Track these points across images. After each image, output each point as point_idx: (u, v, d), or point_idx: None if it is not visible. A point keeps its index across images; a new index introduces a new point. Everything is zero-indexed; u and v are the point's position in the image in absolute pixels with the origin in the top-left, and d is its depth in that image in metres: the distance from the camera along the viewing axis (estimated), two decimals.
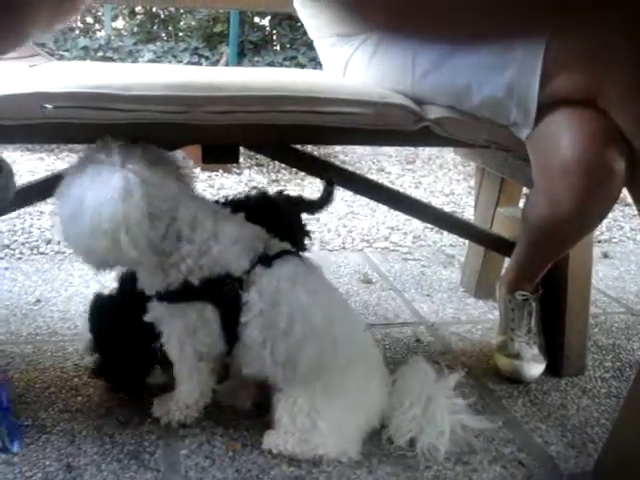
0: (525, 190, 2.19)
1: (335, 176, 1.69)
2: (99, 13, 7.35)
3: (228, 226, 1.37)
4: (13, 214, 2.79)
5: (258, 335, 1.35)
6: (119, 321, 1.53)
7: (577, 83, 1.36)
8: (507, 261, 2.07)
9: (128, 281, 1.51)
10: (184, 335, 1.39)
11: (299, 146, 1.70)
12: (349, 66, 1.74)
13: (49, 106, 1.26)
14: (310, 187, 3.61)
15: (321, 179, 1.74)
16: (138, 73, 1.64)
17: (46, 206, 2.79)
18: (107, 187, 1.23)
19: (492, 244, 2.04)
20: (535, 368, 1.75)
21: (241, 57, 5.92)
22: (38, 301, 2.09)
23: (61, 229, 1.30)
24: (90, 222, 1.23)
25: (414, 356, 1.57)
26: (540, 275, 1.73)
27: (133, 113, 1.28)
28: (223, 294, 1.35)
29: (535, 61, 1.35)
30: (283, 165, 3.96)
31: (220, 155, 1.49)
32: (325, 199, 1.70)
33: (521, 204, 2.23)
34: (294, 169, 3.84)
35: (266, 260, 1.38)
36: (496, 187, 2.17)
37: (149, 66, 2.23)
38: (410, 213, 1.93)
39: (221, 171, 3.80)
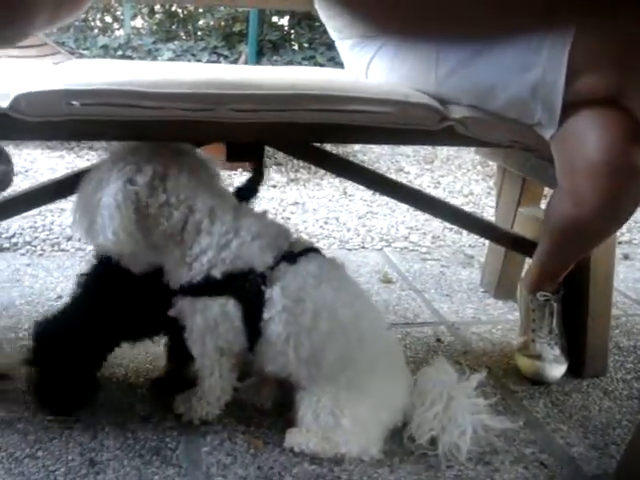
0: (546, 190, 2.18)
1: (358, 175, 1.69)
2: (118, 12, 7.38)
3: (249, 221, 1.38)
4: (34, 211, 2.81)
5: (282, 331, 1.36)
6: (63, 345, 1.50)
7: (602, 83, 1.36)
8: (528, 262, 2.07)
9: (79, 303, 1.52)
10: (206, 330, 1.39)
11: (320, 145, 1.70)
12: (371, 67, 1.73)
13: (76, 103, 1.27)
14: (329, 187, 3.61)
15: (250, 166, 1.66)
16: (161, 71, 1.65)
17: (67, 203, 2.80)
18: (112, 178, 1.29)
19: (513, 244, 2.03)
20: (557, 369, 1.74)
21: (260, 56, 5.93)
22: (59, 297, 2.10)
23: (73, 221, 1.36)
24: (92, 212, 1.30)
25: (436, 356, 1.57)
26: (562, 276, 1.72)
27: (159, 110, 1.28)
28: (246, 289, 1.35)
29: (560, 61, 1.34)
30: (302, 164, 3.97)
31: (244, 153, 1.50)
32: (251, 187, 1.62)
33: (542, 204, 2.23)
34: (313, 169, 3.85)
35: (291, 257, 1.38)
36: (517, 187, 2.16)
37: (172, 64, 2.24)
38: (432, 212, 1.93)
39: (240, 170, 3.80)
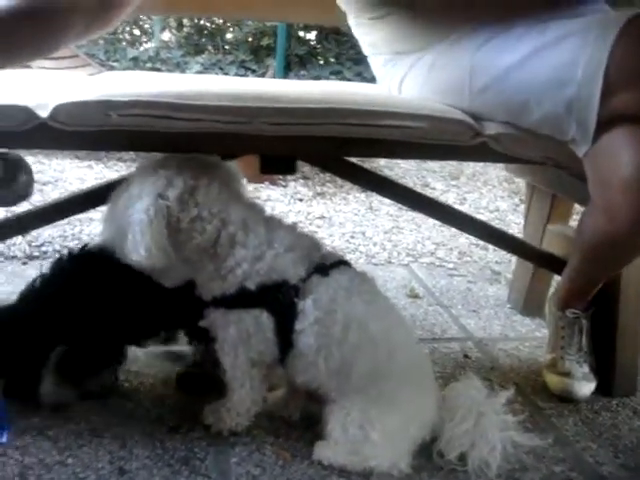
0: (577, 208, 2.17)
1: (388, 190, 1.70)
2: (146, 25, 7.46)
3: (281, 233, 1.39)
4: (64, 220, 2.84)
5: (313, 343, 1.36)
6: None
7: (637, 99, 1.35)
8: (556, 279, 2.06)
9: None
10: (238, 342, 1.39)
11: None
12: (405, 82, 1.74)
13: (113, 114, 1.28)
14: (355, 202, 3.62)
15: None
16: (194, 83, 1.66)
17: (95, 213, 2.82)
18: (143, 193, 1.30)
19: (543, 261, 2.02)
20: (586, 387, 1.73)
21: (287, 71, 5.96)
22: None
23: (103, 235, 1.38)
24: (123, 227, 1.30)
25: (463, 372, 1.56)
26: (592, 293, 1.71)
27: (195, 122, 1.30)
28: (279, 301, 1.36)
29: (596, 77, 1.34)
30: (328, 178, 3.98)
31: (277, 166, 1.50)
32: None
33: (571, 222, 2.22)
34: (339, 182, 3.86)
35: (323, 269, 1.39)
36: (547, 204, 2.15)
37: (203, 77, 2.26)
38: (461, 228, 1.92)
39: (267, 183, 3.82)
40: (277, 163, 1.48)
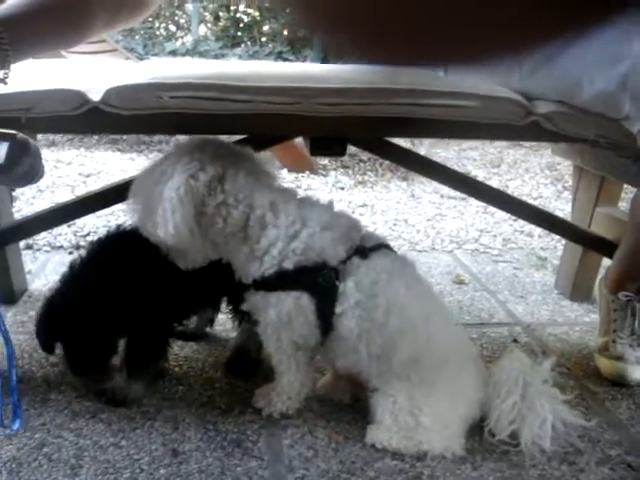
0: (626, 189, 2.14)
1: (438, 174, 1.68)
2: (182, 20, 7.49)
3: (316, 211, 1.38)
4: (107, 210, 2.86)
5: (354, 327, 1.34)
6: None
7: None
8: (605, 263, 2.03)
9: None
10: (280, 325, 1.39)
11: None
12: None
13: (165, 96, 1.28)
14: (397, 190, 3.60)
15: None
16: (242, 67, 1.66)
17: None
18: (176, 172, 1.29)
19: (593, 244, 2.00)
20: (639, 370, 1.70)
21: (324, 62, 5.94)
22: None
23: (129, 208, 1.38)
24: (152, 203, 1.30)
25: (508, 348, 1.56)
26: None
27: (247, 104, 1.29)
28: (319, 283, 1.35)
29: None
30: (369, 167, 3.97)
31: (327, 147, 1.49)
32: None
33: (620, 204, 2.19)
34: (380, 171, 3.85)
35: (363, 251, 1.37)
36: (595, 187, 2.12)
37: (249, 62, 2.25)
38: (510, 211, 1.91)
39: (308, 172, 3.82)
40: (327, 144, 1.48)
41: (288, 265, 1.34)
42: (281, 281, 1.36)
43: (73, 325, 1.47)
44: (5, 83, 1.20)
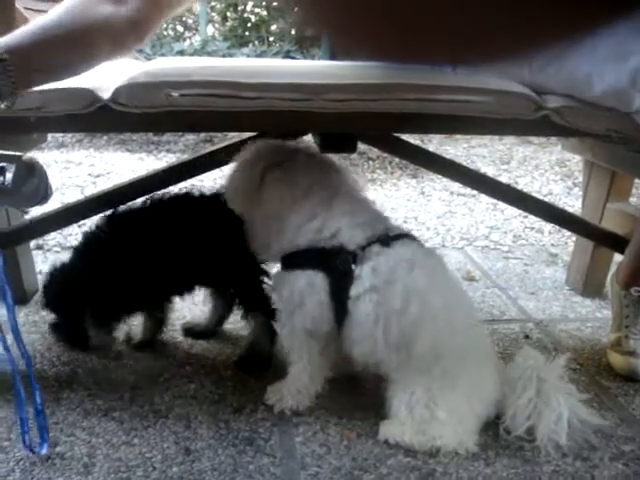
0: (637, 184, 2.13)
1: (449, 170, 1.68)
2: (189, 21, 7.49)
3: (345, 199, 1.42)
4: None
5: (370, 311, 1.35)
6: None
7: None
8: (617, 258, 2.02)
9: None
10: (292, 306, 1.41)
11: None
12: None
13: (175, 94, 1.28)
14: (406, 187, 3.59)
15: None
16: (252, 64, 1.66)
17: None
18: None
19: (604, 240, 1.99)
20: None
21: (332, 60, 5.94)
22: None
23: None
24: None
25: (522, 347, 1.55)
26: None
27: (257, 101, 1.29)
28: (335, 264, 1.36)
29: None
30: (377, 165, 3.96)
31: (338, 144, 1.49)
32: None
33: (631, 199, 2.18)
34: (389, 169, 3.84)
35: (385, 240, 1.38)
36: (606, 182, 2.11)
37: (258, 60, 2.25)
38: (521, 207, 1.90)
39: None
40: (338, 141, 1.48)
41: (302, 243, 1.39)
42: (296, 258, 1.40)
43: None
44: (12, 111, 1.21)
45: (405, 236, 1.43)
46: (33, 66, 1.21)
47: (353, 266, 1.36)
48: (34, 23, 1.23)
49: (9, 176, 1.17)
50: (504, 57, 0.48)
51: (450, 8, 0.39)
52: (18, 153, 1.21)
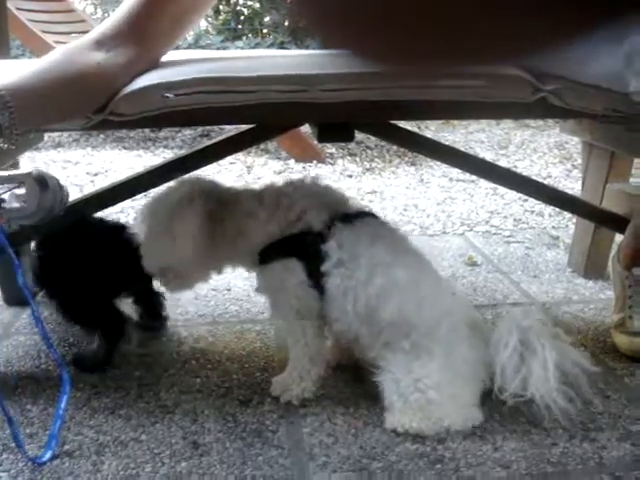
0: (637, 164, 2.13)
1: (447, 156, 1.68)
2: None
3: (298, 184, 1.51)
4: (116, 208, 2.86)
5: (339, 284, 1.40)
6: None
7: None
8: (618, 238, 2.02)
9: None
10: (276, 290, 1.47)
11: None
12: None
13: (170, 95, 1.28)
14: (405, 175, 3.59)
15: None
16: (244, 57, 1.65)
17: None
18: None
19: (605, 221, 1.99)
20: None
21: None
22: None
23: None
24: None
25: None
26: None
27: (253, 94, 1.29)
28: (305, 247, 1.42)
29: None
30: (376, 154, 3.96)
31: (335, 134, 1.49)
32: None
33: (631, 179, 2.17)
34: (387, 157, 3.84)
35: (346, 218, 1.44)
36: (605, 163, 2.11)
37: (251, 51, 2.25)
38: (521, 190, 1.90)
39: (315, 161, 3.81)
40: (335, 131, 1.47)
41: (275, 233, 1.45)
42: (270, 252, 1.45)
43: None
44: (12, 150, 1.21)
45: (368, 214, 1.49)
46: (33, 108, 1.21)
47: (322, 246, 1.41)
48: (30, 65, 1.26)
49: (23, 200, 1.20)
50: (504, 61, 0.48)
51: (449, 11, 0.39)
52: (26, 171, 1.22)
